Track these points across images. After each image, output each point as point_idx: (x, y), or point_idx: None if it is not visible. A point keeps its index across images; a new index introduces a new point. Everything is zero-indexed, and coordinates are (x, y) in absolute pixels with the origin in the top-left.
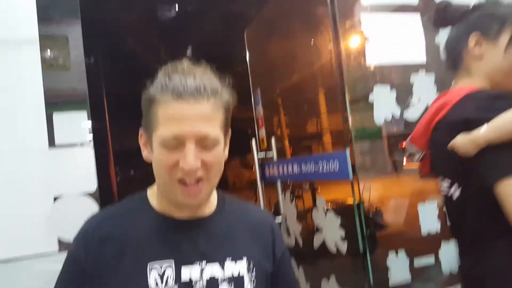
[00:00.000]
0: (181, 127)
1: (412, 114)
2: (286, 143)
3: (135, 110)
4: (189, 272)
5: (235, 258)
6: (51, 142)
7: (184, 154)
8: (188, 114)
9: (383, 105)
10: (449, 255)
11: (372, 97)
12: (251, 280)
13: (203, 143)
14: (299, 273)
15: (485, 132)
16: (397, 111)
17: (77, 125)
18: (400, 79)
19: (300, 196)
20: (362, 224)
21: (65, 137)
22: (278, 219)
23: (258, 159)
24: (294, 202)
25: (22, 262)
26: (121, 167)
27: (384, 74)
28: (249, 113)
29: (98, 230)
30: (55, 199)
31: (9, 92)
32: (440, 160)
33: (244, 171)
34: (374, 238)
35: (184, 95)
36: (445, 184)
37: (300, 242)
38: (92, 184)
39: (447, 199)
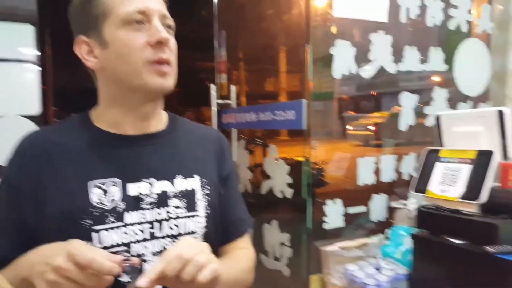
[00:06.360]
0: (145, 2)
1: (366, 72)
2: (244, 99)
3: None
4: (136, 188)
5: (186, 176)
6: None
7: (154, 27)
8: None
9: (343, 60)
10: (377, 206)
11: (333, 52)
12: (204, 196)
13: (165, 22)
14: None
15: None
16: (354, 68)
17: (23, 40)
18: (360, 37)
19: (254, 145)
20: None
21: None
22: None
23: (217, 103)
24: (247, 151)
25: None
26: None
27: (346, 31)
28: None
29: (33, 147)
30: None
31: None
32: None
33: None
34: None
35: None
36: None
37: (250, 189)
38: (35, 107)
39: None
